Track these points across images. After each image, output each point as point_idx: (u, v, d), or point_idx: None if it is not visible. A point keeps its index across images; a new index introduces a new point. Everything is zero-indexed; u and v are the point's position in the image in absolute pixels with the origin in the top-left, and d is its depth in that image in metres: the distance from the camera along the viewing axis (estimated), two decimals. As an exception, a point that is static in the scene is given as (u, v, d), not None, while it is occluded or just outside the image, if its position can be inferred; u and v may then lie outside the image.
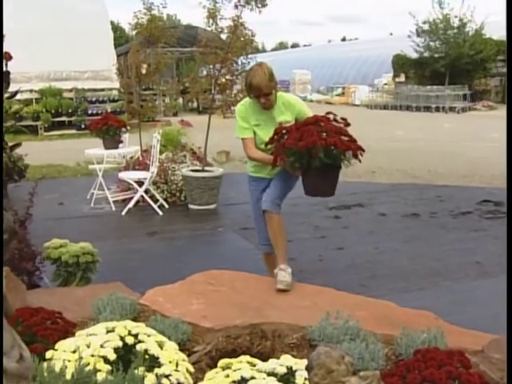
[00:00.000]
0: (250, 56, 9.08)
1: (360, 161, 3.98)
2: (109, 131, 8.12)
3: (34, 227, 7.07)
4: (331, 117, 4.05)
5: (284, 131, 3.97)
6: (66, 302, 3.85)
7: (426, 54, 29.67)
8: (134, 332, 2.67)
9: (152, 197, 8.14)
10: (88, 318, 3.52)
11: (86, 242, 4.72)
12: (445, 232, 6.85)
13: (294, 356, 2.92)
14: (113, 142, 8.27)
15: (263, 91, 4.20)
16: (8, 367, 1.33)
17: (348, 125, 4.05)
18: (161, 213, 7.86)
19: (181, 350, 2.90)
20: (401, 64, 30.89)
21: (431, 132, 17.69)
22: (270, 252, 4.48)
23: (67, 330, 3.06)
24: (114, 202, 8.22)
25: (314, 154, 3.73)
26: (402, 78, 30.48)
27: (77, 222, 7.63)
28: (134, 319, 3.57)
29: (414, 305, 3.99)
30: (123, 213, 7.87)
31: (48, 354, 2.58)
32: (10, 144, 9.20)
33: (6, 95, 8.97)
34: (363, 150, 3.97)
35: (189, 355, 3.04)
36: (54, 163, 11.95)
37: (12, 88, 9.21)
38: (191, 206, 8.11)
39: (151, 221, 7.63)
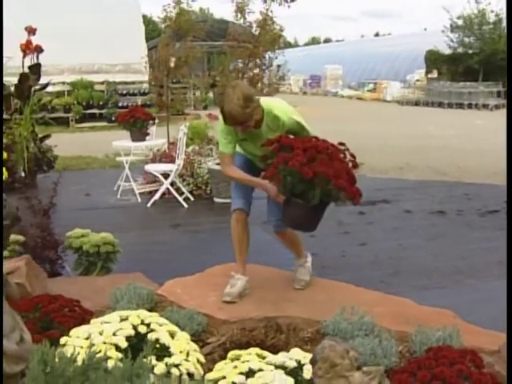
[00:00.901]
0: (280, 51, 9.08)
1: (355, 204, 3.61)
2: (136, 123, 8.19)
3: (60, 217, 7.16)
4: (342, 148, 3.62)
5: (288, 144, 3.52)
6: (86, 291, 3.90)
7: (460, 50, 29.21)
8: (146, 321, 2.69)
9: (177, 189, 8.18)
10: (106, 307, 3.57)
11: (110, 232, 4.78)
12: (471, 230, 6.76)
13: (307, 350, 2.92)
14: (140, 134, 8.34)
15: (237, 120, 3.60)
16: (8, 349, 1.35)
17: (356, 166, 3.62)
18: (186, 205, 7.90)
19: (195, 340, 2.92)
20: (434, 60, 30.46)
21: (463, 129, 17.45)
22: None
23: (84, 317, 3.11)
24: (139, 193, 8.29)
25: (315, 187, 3.38)
26: (435, 74, 30.07)
27: (102, 212, 7.71)
28: (151, 309, 3.61)
29: (435, 303, 3.95)
30: (148, 205, 7.93)
31: (62, 340, 2.63)
32: (39, 135, 9.39)
33: (36, 87, 9.15)
34: (361, 196, 3.59)
35: (203, 346, 3.06)
36: (83, 155, 12.09)
37: (43, 80, 9.38)
38: (216, 200, 8.13)
39: (176, 213, 7.67)
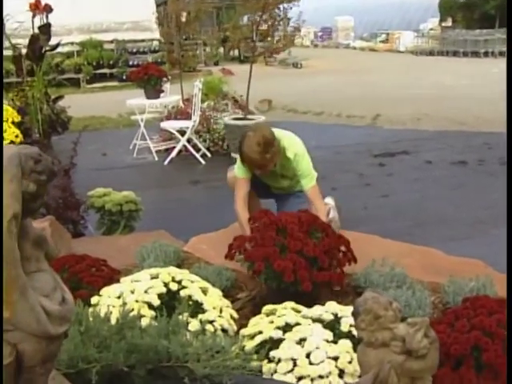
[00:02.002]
0: (292, 2, 8.84)
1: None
2: (150, 81, 8.08)
3: (78, 177, 7.14)
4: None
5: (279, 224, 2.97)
6: (110, 250, 3.88)
7: (475, -4, 28.56)
8: (177, 278, 2.67)
9: (194, 146, 8.11)
10: (132, 266, 3.55)
11: (129, 191, 4.75)
12: (493, 180, 6.65)
13: (338, 303, 2.88)
14: (154, 91, 8.23)
15: (255, 165, 3.60)
16: (51, 309, 1.31)
17: (352, 261, 3.08)
18: (203, 162, 7.84)
19: (224, 296, 2.89)
20: (448, 7, 29.79)
21: (479, 78, 17.13)
22: None
23: (112, 276, 3.09)
24: (156, 151, 8.23)
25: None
26: (449, 23, 29.47)
27: (120, 172, 7.67)
28: (178, 266, 3.58)
29: (462, 253, 3.89)
30: (165, 162, 7.88)
31: (93, 300, 2.61)
32: (52, 97, 9.30)
33: (47, 48, 9.02)
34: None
35: (232, 302, 3.03)
36: (96, 115, 12.00)
37: (53, 41, 9.24)
38: (234, 155, 8.04)
39: (194, 170, 7.62)
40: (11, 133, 8.05)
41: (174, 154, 8.00)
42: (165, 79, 8.45)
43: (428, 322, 1.75)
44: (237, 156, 7.95)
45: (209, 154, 8.13)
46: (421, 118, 10.59)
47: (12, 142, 7.92)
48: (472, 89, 14.49)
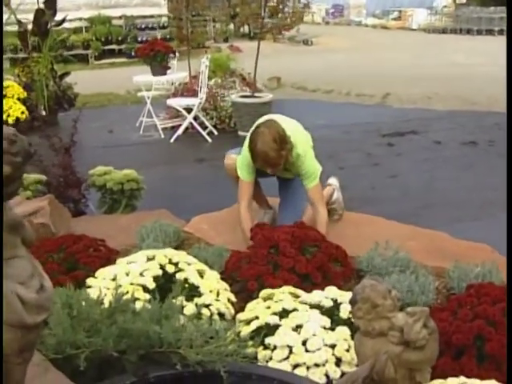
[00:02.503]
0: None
1: None
2: (156, 57, 7.97)
3: (83, 155, 7.10)
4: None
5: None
6: (111, 230, 3.83)
7: (491, -29, 27.99)
8: (174, 260, 2.61)
9: (201, 124, 8.02)
10: (131, 246, 3.49)
11: (134, 169, 4.67)
12: (504, 161, 6.50)
13: (340, 286, 2.82)
14: (160, 68, 8.12)
15: (270, 163, 3.35)
16: (27, 297, 1.24)
17: (349, 275, 2.97)
18: (210, 140, 7.75)
19: (223, 278, 2.83)
20: (462, -16, 29.27)
21: (492, 57, 16.80)
22: None
23: (109, 257, 3.04)
24: (162, 129, 8.14)
25: None
26: (463, 0, 28.96)
27: (125, 149, 7.60)
28: (178, 247, 3.53)
29: (469, 236, 3.81)
30: (172, 140, 7.80)
31: (88, 281, 2.56)
32: (59, 73, 9.21)
33: (52, 23, 8.92)
34: None
35: (231, 284, 2.96)
36: (104, 92, 11.89)
37: (60, 16, 9.13)
38: (241, 133, 7.95)
39: (200, 148, 7.54)
40: (17, 109, 8.01)
41: (180, 131, 7.91)
42: (172, 56, 8.33)
43: (427, 311, 1.68)
44: (244, 133, 7.89)
45: (215, 132, 8.03)
46: (431, 97, 10.42)
47: (18, 119, 7.88)
48: (485, 68, 14.23)
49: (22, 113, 7.98)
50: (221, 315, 2.42)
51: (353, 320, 1.82)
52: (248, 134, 3.50)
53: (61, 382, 1.73)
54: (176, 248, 3.51)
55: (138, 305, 2.27)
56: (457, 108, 9.57)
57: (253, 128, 3.45)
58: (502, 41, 21.31)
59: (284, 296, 2.31)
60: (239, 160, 3.56)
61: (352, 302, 1.78)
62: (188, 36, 10.40)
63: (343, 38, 21.36)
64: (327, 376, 1.97)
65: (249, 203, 3.55)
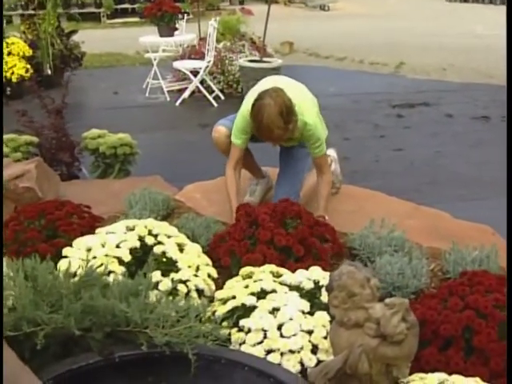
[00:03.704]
0: None
1: None
2: (163, 18, 7.78)
3: (85, 116, 6.98)
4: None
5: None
6: (101, 195, 3.71)
7: None
8: (154, 232, 2.48)
9: (208, 87, 7.85)
10: (121, 213, 3.38)
11: (135, 132, 4.53)
12: (516, 137, 6.32)
13: (332, 264, 2.69)
14: (168, 29, 7.94)
15: (274, 136, 3.10)
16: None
17: (338, 251, 2.83)
18: (216, 104, 7.60)
19: (208, 252, 2.70)
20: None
21: (514, 28, 16.36)
22: None
23: (92, 225, 2.91)
24: (168, 91, 7.99)
25: None
26: (488, -32, 28.15)
27: (130, 111, 7.46)
28: (167, 216, 3.41)
29: (472, 215, 3.65)
30: (177, 103, 7.65)
31: (64, 251, 2.44)
32: (66, 31, 9.02)
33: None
34: None
35: (219, 258, 2.84)
36: (113, 52, 11.69)
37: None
38: (248, 99, 7.79)
39: (205, 112, 7.38)
40: (21, 67, 7.85)
41: (186, 94, 7.75)
42: (180, 16, 8.11)
43: (407, 304, 1.55)
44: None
45: (222, 97, 7.86)
46: (446, 69, 10.12)
47: (21, 76, 7.73)
48: (505, 39, 13.83)
49: (27, 71, 7.82)
50: (200, 292, 2.31)
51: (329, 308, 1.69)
52: (249, 97, 3.26)
53: (9, 361, 1.61)
54: (165, 217, 3.40)
55: (112, 278, 2.16)
56: (472, 81, 9.29)
57: (255, 94, 3.16)
58: (525, 12, 20.58)
59: (264, 275, 2.18)
60: (235, 122, 3.33)
61: (328, 288, 1.65)
62: (199, -4, 10.13)
63: (361, 5, 20.83)
64: (302, 364, 1.85)
65: (236, 165, 3.34)
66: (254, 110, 3.06)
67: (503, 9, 22.50)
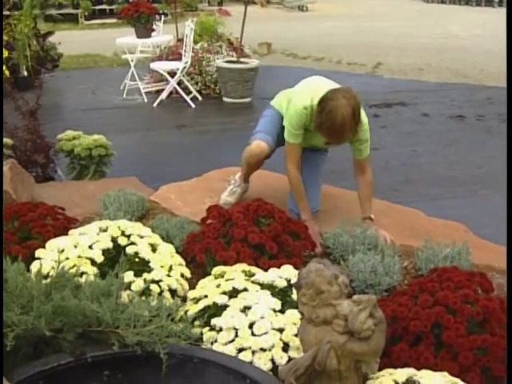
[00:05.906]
0: None
1: None
2: (140, 19, 7.75)
3: (62, 118, 6.95)
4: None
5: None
6: (76, 197, 3.70)
7: None
8: (127, 233, 2.47)
9: (185, 88, 7.84)
10: (96, 214, 3.37)
11: (111, 133, 4.52)
12: (490, 137, 6.40)
13: (304, 263, 2.71)
14: (145, 30, 7.92)
15: (342, 140, 2.99)
16: None
17: (311, 247, 2.83)
18: (193, 105, 7.59)
19: (183, 252, 2.71)
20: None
21: (490, 29, 16.53)
22: None
23: (66, 226, 2.89)
24: (146, 93, 7.95)
25: None
26: (464, -31, 28.42)
27: (107, 113, 7.43)
28: (142, 217, 3.41)
29: (447, 213, 3.72)
30: (155, 104, 7.63)
31: (37, 253, 2.43)
32: (42, 32, 8.95)
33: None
34: None
35: (193, 258, 2.85)
36: (91, 53, 11.63)
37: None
38: (225, 99, 7.80)
39: (182, 113, 7.39)
40: (-4, 68, 7.77)
41: (163, 96, 7.74)
42: (157, 17, 8.09)
43: (375, 300, 1.57)
44: (228, 100, 7.71)
45: (199, 98, 7.86)
46: (423, 69, 10.22)
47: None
48: (481, 40, 14.00)
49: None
50: (173, 292, 2.31)
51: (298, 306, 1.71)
52: (300, 94, 3.15)
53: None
54: (140, 218, 3.40)
55: (84, 279, 2.16)
56: (448, 80, 9.39)
57: (313, 92, 3.02)
58: (501, 13, 21.05)
59: (236, 274, 2.19)
60: (289, 122, 3.17)
61: (296, 286, 1.67)
62: (176, -3, 10.11)
63: (340, 5, 20.96)
64: (273, 361, 1.86)
65: (297, 163, 3.25)
66: (326, 109, 2.86)
67: (479, 10, 22.80)
